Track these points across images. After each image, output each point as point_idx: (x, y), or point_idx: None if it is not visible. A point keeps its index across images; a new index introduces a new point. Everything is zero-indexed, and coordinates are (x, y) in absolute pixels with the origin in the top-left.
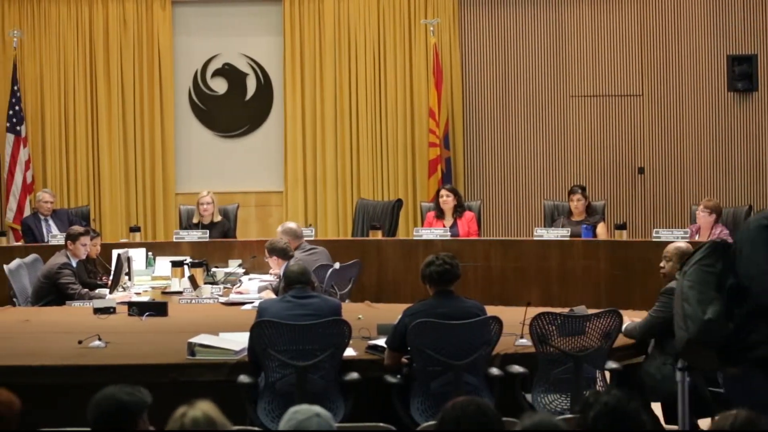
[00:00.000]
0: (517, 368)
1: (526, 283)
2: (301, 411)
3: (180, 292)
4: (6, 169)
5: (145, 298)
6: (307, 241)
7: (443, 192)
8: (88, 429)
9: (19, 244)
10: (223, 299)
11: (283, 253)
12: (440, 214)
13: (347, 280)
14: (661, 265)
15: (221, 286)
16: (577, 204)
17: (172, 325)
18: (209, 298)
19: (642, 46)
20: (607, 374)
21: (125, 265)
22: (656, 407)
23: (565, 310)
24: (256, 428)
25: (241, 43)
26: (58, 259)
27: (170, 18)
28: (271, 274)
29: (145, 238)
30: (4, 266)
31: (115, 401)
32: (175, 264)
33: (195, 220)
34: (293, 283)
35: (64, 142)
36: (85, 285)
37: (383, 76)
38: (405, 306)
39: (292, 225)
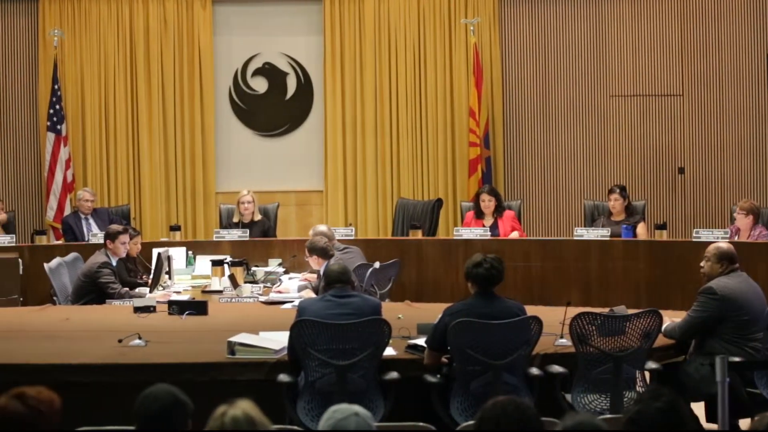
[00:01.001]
0: (556, 368)
1: (566, 283)
2: (340, 410)
3: (220, 291)
4: (47, 168)
5: (185, 297)
6: (343, 241)
7: (484, 196)
8: (130, 428)
9: (60, 242)
10: (263, 298)
11: (324, 253)
12: (480, 214)
13: (387, 279)
14: (701, 264)
15: (261, 285)
16: (614, 204)
17: (212, 324)
18: (249, 297)
19: (682, 45)
20: (647, 374)
21: (165, 263)
22: (696, 406)
23: (605, 310)
24: (296, 427)
25: (281, 43)
26: (97, 257)
27: (210, 17)
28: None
29: (185, 236)
30: (45, 265)
31: (171, 396)
32: (215, 263)
33: (235, 219)
34: (333, 282)
35: (105, 141)
36: (125, 284)
37: (423, 75)
38: (445, 305)
39: (323, 228)
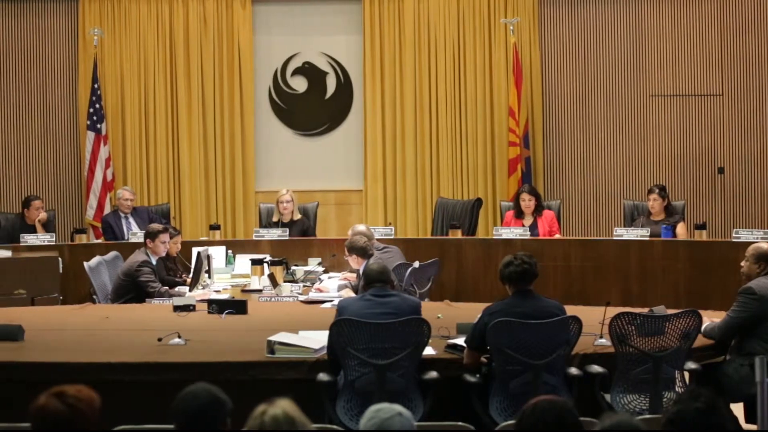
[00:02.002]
0: (596, 368)
1: (606, 282)
2: (384, 410)
3: (260, 290)
4: (86, 167)
5: (224, 296)
6: (383, 240)
7: (524, 195)
8: (169, 426)
9: (100, 241)
10: (302, 297)
11: (363, 252)
12: (519, 214)
13: (426, 278)
14: (741, 264)
15: (301, 285)
16: (653, 204)
17: (251, 323)
18: (289, 297)
19: (722, 45)
20: (686, 374)
21: (205, 262)
22: (735, 406)
23: (645, 310)
24: (336, 426)
25: (321, 42)
26: (137, 256)
27: (250, 17)
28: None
29: (225, 236)
30: (85, 263)
31: (210, 395)
32: (254, 262)
33: (275, 219)
34: (373, 281)
35: (145, 139)
36: (165, 282)
37: (463, 75)
38: (484, 305)
39: (362, 227)
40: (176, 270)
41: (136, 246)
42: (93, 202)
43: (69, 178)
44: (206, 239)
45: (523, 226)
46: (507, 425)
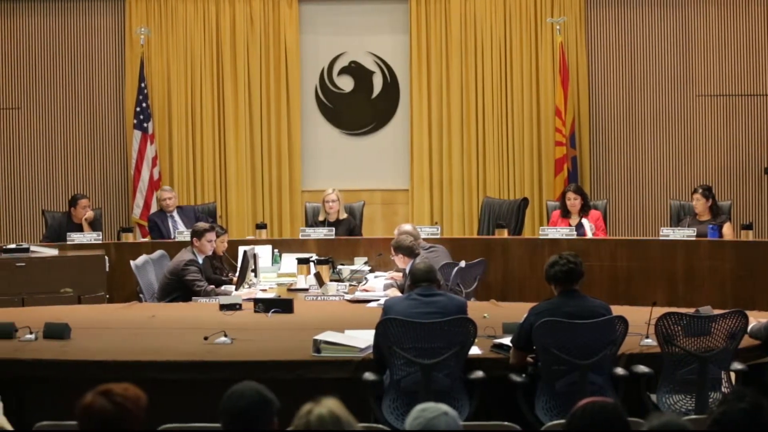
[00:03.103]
0: (642, 368)
1: (652, 282)
2: (430, 409)
3: (306, 289)
4: (133, 166)
5: (270, 295)
6: (429, 240)
7: (570, 195)
8: (216, 425)
9: (146, 240)
10: (348, 297)
11: (409, 251)
12: (566, 213)
13: (473, 278)
14: None
15: (347, 284)
16: (697, 204)
17: (297, 322)
18: (335, 296)
19: None
20: (733, 375)
21: (251, 261)
22: None
23: (691, 310)
24: (382, 426)
25: (367, 42)
26: (184, 255)
27: (297, 16)
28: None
29: (271, 235)
30: (131, 262)
31: (256, 394)
32: (301, 261)
33: (321, 218)
34: (419, 281)
35: (191, 139)
36: (211, 281)
37: (509, 74)
38: (530, 305)
39: (408, 227)
40: (222, 269)
41: (182, 245)
42: (139, 200)
43: (116, 177)
44: (253, 238)
45: (570, 225)
46: (553, 425)
